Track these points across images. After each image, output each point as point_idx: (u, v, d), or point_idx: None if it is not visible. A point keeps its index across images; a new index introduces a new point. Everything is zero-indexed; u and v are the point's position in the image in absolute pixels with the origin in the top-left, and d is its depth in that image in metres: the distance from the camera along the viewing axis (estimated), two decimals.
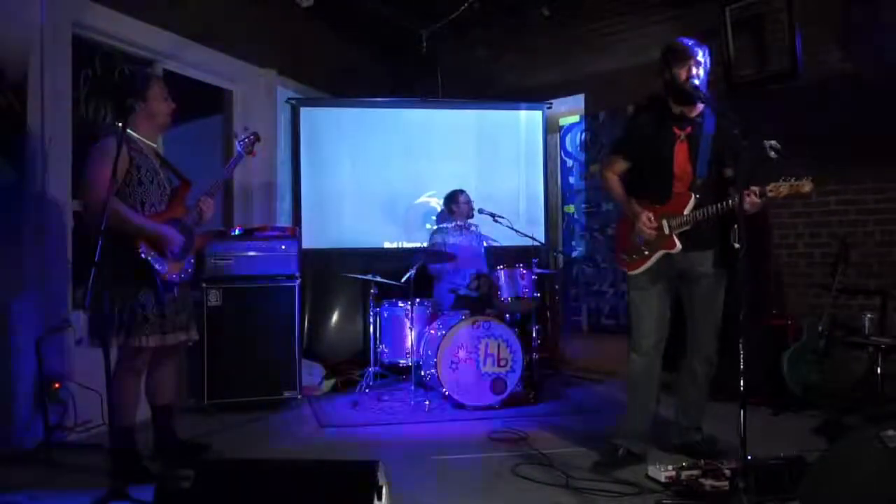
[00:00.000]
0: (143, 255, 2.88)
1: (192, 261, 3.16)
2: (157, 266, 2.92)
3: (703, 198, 2.98)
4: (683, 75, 2.97)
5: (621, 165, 3.18)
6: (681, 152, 3.05)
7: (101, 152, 2.86)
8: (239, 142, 3.39)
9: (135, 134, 3.04)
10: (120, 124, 2.88)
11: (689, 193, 3.01)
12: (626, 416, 3.19)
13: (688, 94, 2.97)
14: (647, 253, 3.07)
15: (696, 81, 2.94)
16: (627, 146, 3.19)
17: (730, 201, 2.89)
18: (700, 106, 3.06)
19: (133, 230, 2.87)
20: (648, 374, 3.13)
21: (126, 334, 2.88)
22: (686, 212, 2.99)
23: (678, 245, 3.01)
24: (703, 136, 3.03)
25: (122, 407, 2.94)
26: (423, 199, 5.75)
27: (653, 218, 3.01)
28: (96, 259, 2.51)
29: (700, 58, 2.98)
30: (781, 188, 2.80)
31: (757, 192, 2.83)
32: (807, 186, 2.79)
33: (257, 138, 3.44)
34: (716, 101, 2.92)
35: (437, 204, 5.58)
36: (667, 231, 3.01)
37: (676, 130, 3.05)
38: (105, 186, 2.68)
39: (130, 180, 2.95)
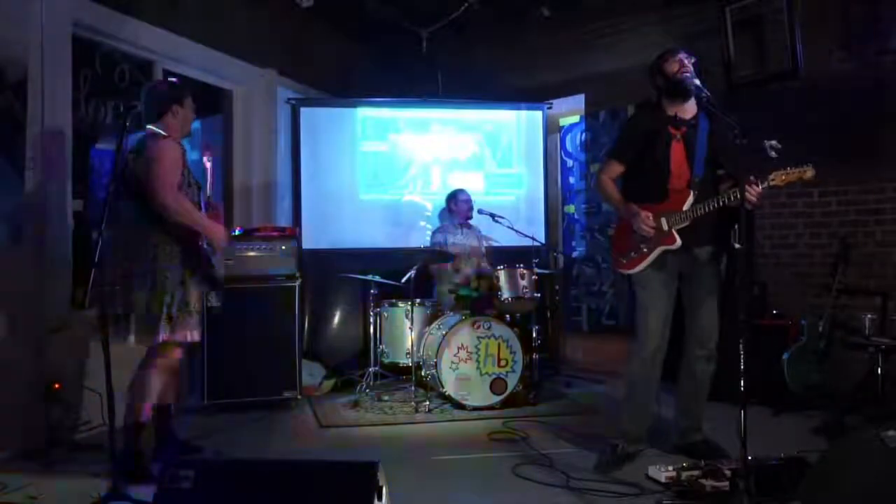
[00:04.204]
0: (202, 252, 3.07)
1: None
2: (212, 261, 3.08)
3: (701, 195, 3.00)
4: (675, 67, 3.01)
5: (617, 169, 3.19)
6: (677, 151, 3.06)
7: (177, 155, 3.01)
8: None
9: None
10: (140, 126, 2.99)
11: (687, 190, 3.02)
12: (624, 418, 3.17)
13: (681, 86, 2.99)
14: (645, 250, 3.06)
15: (689, 76, 2.97)
16: (623, 149, 3.20)
17: (729, 195, 2.88)
18: (694, 108, 3.09)
19: (198, 227, 3.02)
20: (649, 377, 3.12)
21: (171, 330, 2.95)
22: (685, 208, 3.00)
23: (678, 240, 3.01)
24: (699, 136, 3.05)
25: (143, 403, 3.01)
26: (422, 199, 5.74)
27: (651, 216, 3.02)
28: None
29: (685, 58, 3.03)
30: (784, 176, 2.80)
31: (758, 182, 2.82)
32: (809, 172, 2.79)
33: None
34: (711, 97, 2.94)
35: (437, 204, 5.58)
36: (665, 228, 3.02)
37: (672, 130, 3.07)
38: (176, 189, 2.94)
39: (182, 183, 3.05)
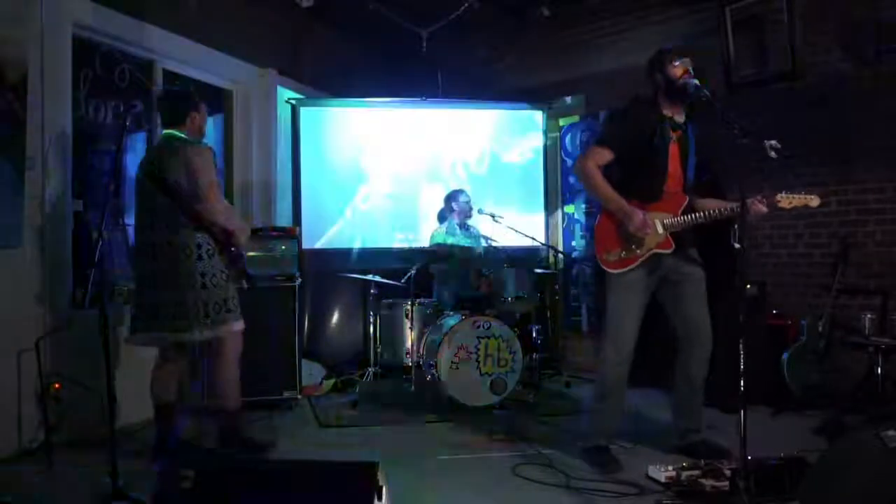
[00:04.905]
0: (235, 249, 3.25)
1: None
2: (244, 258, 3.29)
3: (691, 201, 3.00)
4: (679, 72, 2.98)
5: (606, 157, 3.03)
6: (674, 153, 3.05)
7: (213, 159, 3.12)
8: None
9: None
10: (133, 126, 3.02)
11: (683, 194, 3.01)
12: (600, 418, 3.16)
13: (683, 92, 2.96)
14: (638, 251, 3.01)
15: (693, 81, 2.95)
16: (619, 139, 3.07)
17: (718, 210, 2.90)
18: (683, 114, 3.09)
19: (232, 226, 3.17)
20: (623, 379, 3.13)
21: (225, 323, 3.16)
22: (681, 212, 2.98)
23: (673, 245, 2.99)
24: (690, 141, 3.05)
25: (235, 391, 3.32)
26: (421, 199, 5.74)
27: (644, 216, 2.95)
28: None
29: (688, 64, 3.00)
30: (790, 199, 2.80)
31: (765, 202, 2.82)
32: (815, 201, 2.83)
33: None
34: (714, 101, 2.93)
35: (436, 204, 5.57)
36: (660, 230, 2.98)
37: (670, 131, 3.05)
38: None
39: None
